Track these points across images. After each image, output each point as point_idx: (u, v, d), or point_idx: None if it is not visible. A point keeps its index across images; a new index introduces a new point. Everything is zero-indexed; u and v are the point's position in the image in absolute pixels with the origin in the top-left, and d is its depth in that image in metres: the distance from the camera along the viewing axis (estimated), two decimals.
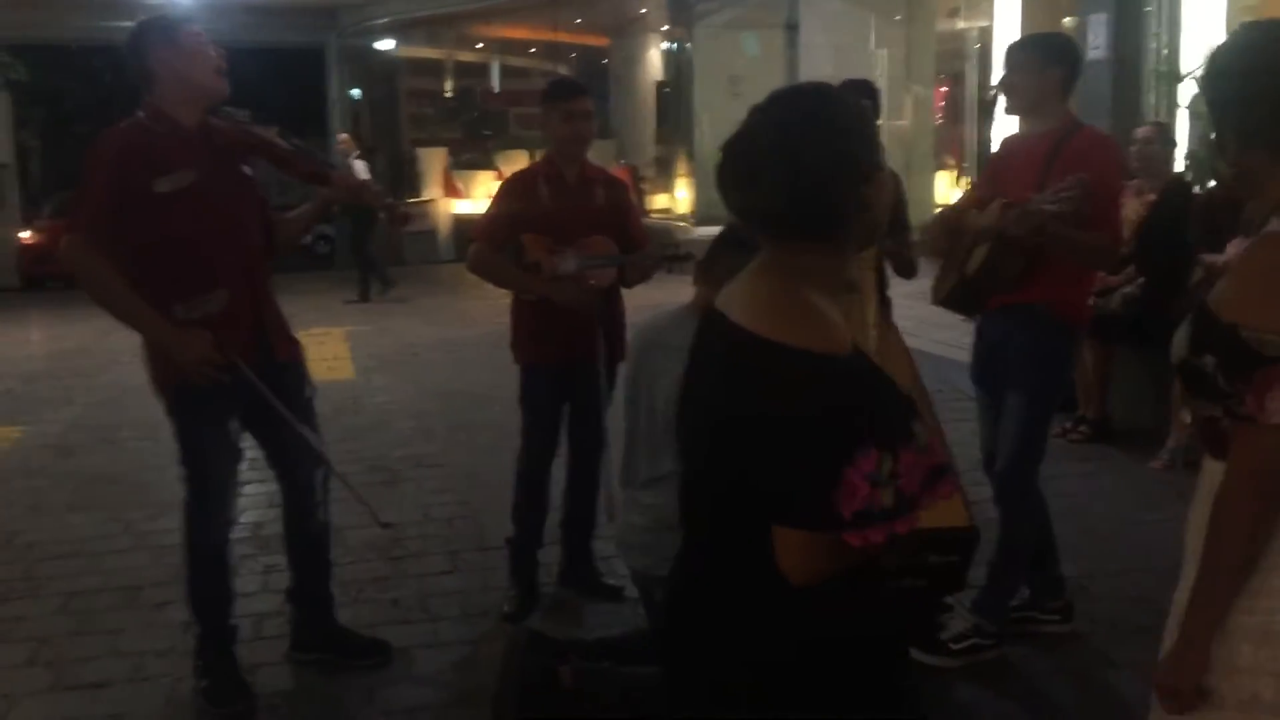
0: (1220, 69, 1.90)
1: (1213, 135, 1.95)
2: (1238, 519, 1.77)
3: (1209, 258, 5.38)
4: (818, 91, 1.65)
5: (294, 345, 3.58)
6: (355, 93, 23.99)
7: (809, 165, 1.55)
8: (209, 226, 3.26)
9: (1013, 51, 3.61)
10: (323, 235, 20.39)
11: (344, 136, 13.18)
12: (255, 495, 5.23)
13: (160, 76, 3.25)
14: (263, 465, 3.73)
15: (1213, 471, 1.87)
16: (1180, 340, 1.82)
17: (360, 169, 10.96)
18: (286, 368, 3.51)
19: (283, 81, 19.83)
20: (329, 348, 9.43)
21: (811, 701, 1.62)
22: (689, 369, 1.76)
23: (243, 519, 4.99)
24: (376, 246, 12.74)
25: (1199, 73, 7.33)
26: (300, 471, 3.61)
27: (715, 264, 2.98)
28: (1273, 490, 1.75)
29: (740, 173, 1.60)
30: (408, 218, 3.82)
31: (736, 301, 1.63)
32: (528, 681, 3.03)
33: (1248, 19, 7.58)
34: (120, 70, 3.38)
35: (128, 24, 3.37)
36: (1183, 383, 1.83)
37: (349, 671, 3.63)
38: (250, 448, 3.66)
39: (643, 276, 4.03)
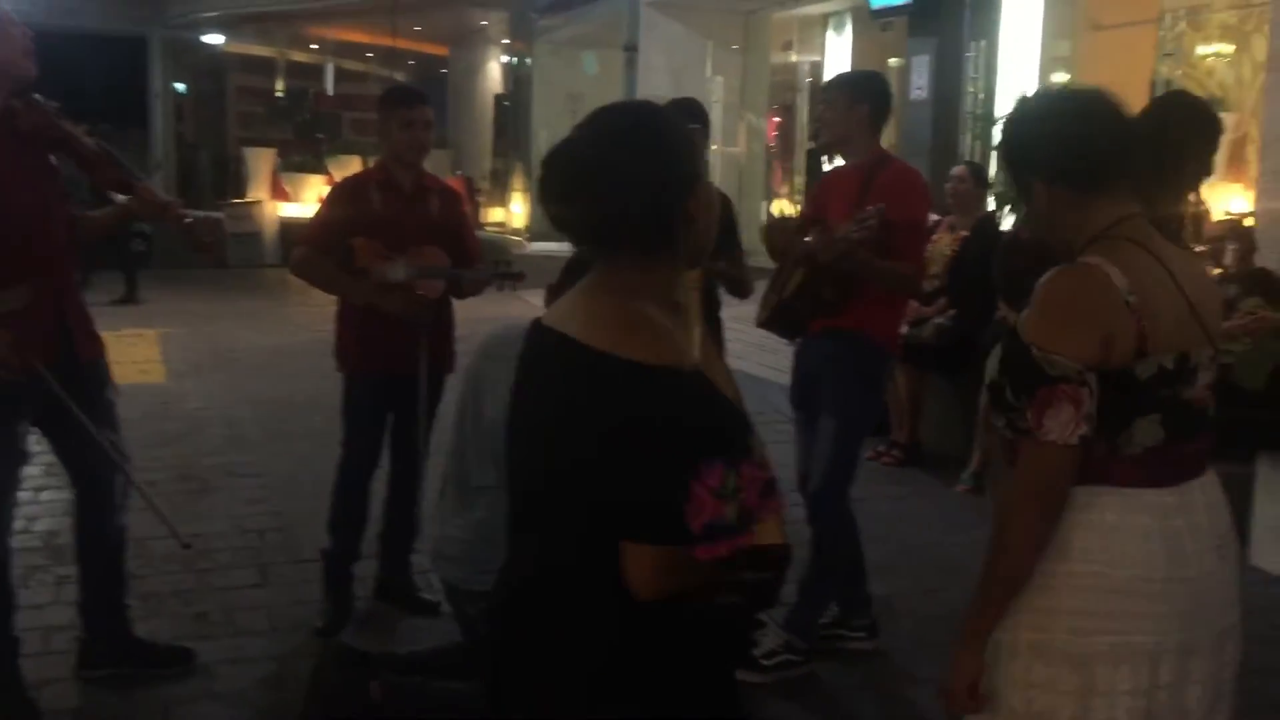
0: (1027, 112, 2.03)
1: (1012, 178, 2.08)
2: (1016, 530, 1.88)
3: (1010, 315, 5.69)
4: (638, 107, 1.68)
5: (97, 344, 3.42)
6: (180, 87, 23.14)
7: (630, 179, 1.56)
8: (8, 218, 3.08)
9: (825, 89, 3.79)
10: (139, 233, 19.54)
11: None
12: (50, 502, 4.96)
13: None
14: (58, 470, 3.53)
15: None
16: (992, 362, 1.92)
17: None
18: (87, 368, 3.35)
19: (101, 71, 18.91)
20: (140, 350, 9.02)
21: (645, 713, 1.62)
22: (520, 385, 1.74)
23: (36, 527, 4.75)
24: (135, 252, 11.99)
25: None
26: (97, 477, 3.44)
27: (565, 289, 2.98)
28: (1048, 504, 1.86)
29: (561, 188, 1.61)
30: (209, 246, 3.50)
31: (577, 318, 1.62)
32: (336, 696, 2.95)
33: (1060, 67, 8.01)
34: None
35: None
36: (991, 403, 1.92)
37: (144, 687, 3.47)
38: (47, 451, 3.47)
39: (474, 290, 4.00)
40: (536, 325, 1.72)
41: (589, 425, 1.54)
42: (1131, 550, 1.87)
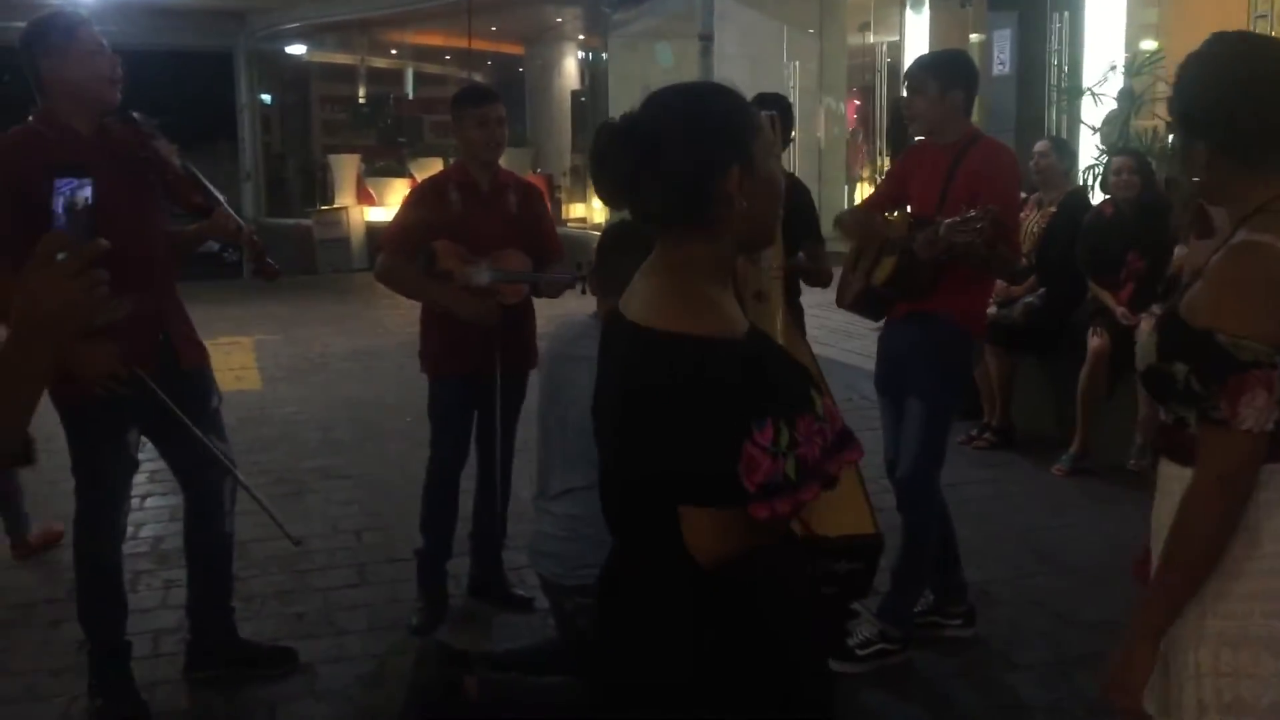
0: (1193, 79, 1.91)
1: (1176, 144, 1.99)
2: (1203, 520, 1.80)
3: (1101, 292, 5.61)
4: (688, 90, 1.69)
5: (201, 352, 3.51)
6: (266, 98, 23.64)
7: (664, 158, 1.60)
8: (108, 234, 3.17)
9: (915, 74, 3.66)
10: (231, 243, 20.00)
11: None
12: (156, 508, 5.12)
13: (49, 83, 3.16)
14: (163, 477, 3.64)
15: (1170, 477, 1.91)
16: (1147, 348, 1.85)
17: None
18: (192, 376, 3.44)
19: (190, 86, 19.46)
20: (235, 357, 9.24)
21: (735, 702, 1.63)
22: (599, 374, 1.79)
23: (143, 533, 4.89)
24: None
25: (1099, 87, 7.55)
26: (205, 482, 3.53)
27: (605, 270, 3.00)
28: (1238, 493, 1.78)
29: (613, 167, 1.66)
30: (277, 273, 3.60)
31: (634, 301, 1.68)
32: (432, 694, 2.99)
33: (1147, 34, 7.74)
34: (16, 72, 3.27)
35: (21, 25, 3.26)
36: (1148, 389, 1.85)
37: (250, 687, 3.55)
38: (151, 458, 3.57)
39: (553, 293, 4.02)
40: (612, 313, 1.77)
41: (639, 399, 1.61)
42: None
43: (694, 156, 1.60)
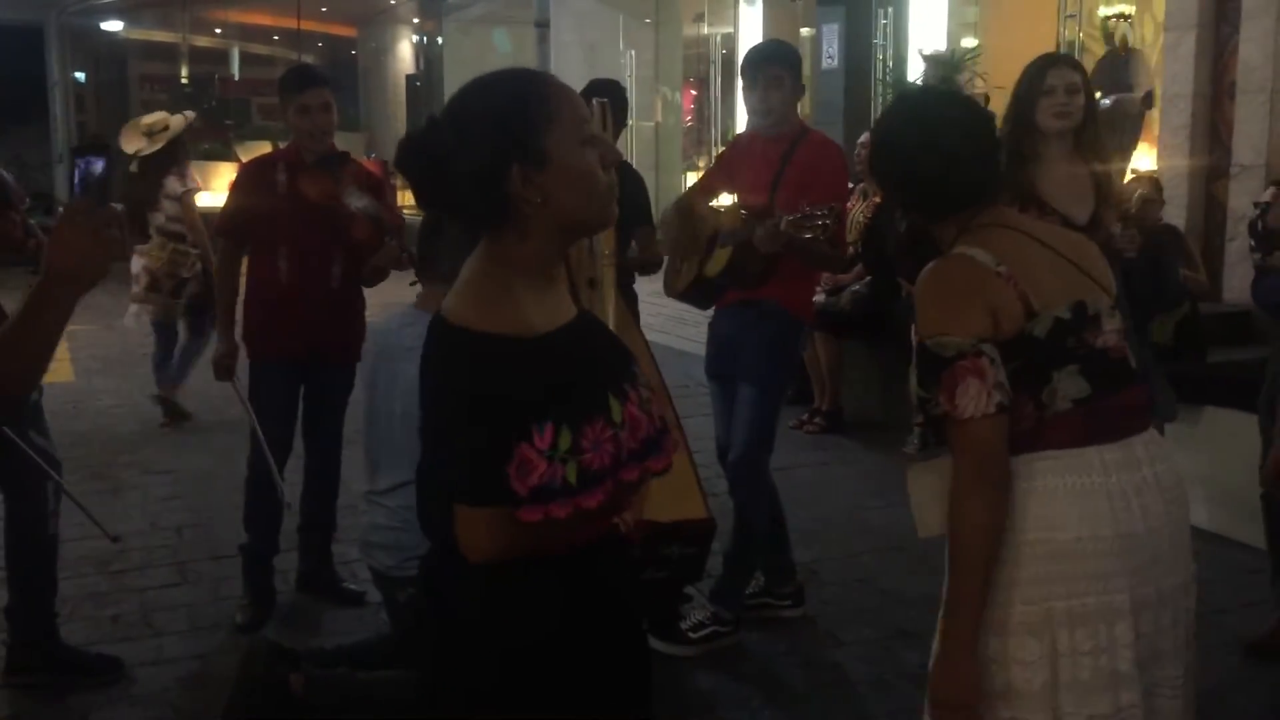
0: (877, 146, 2.10)
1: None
2: (963, 512, 1.85)
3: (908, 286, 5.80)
4: (469, 89, 1.63)
5: None
6: (80, 76, 22.54)
7: (448, 166, 1.56)
8: None
9: (768, 69, 3.63)
10: (45, 227, 18.96)
11: None
12: None
13: None
14: None
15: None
16: (912, 379, 1.93)
17: None
18: None
19: None
20: None
21: (549, 693, 1.60)
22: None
23: None
24: None
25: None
26: (27, 484, 3.34)
27: (428, 256, 2.95)
28: (990, 480, 1.84)
29: (415, 177, 1.62)
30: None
31: (450, 292, 1.64)
32: (257, 692, 2.90)
33: (966, 32, 8.04)
34: None
35: None
36: (925, 419, 1.92)
37: (64, 694, 3.38)
38: None
39: (380, 276, 3.94)
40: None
41: (424, 391, 1.60)
42: (1074, 512, 1.86)
43: (472, 161, 1.54)
